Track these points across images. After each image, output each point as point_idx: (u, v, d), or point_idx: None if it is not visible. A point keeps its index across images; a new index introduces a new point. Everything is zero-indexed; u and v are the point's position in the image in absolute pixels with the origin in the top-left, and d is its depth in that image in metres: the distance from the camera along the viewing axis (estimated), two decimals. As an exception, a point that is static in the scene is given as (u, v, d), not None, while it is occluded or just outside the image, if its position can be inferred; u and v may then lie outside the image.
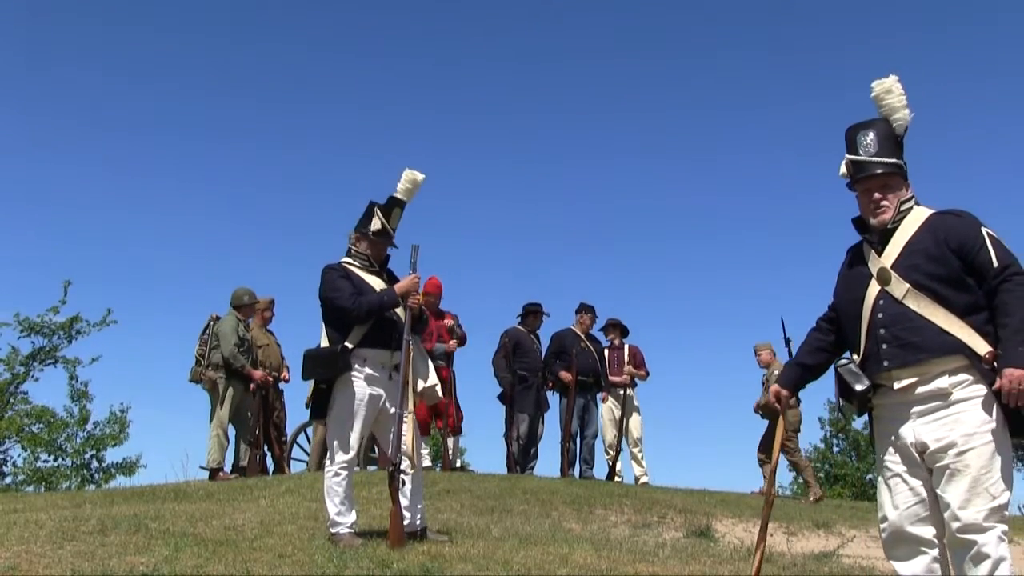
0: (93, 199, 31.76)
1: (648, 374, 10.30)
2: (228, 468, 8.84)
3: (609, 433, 9.98)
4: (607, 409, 10.00)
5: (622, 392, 9.97)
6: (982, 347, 3.10)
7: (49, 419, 13.76)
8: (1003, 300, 3.09)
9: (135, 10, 32.49)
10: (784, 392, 3.58)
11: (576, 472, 9.47)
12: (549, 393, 9.66)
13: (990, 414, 3.07)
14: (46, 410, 13.92)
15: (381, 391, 4.87)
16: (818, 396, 31.09)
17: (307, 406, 9.42)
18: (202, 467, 8.70)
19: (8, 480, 13.59)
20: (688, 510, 6.82)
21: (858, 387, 3.29)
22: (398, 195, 5.07)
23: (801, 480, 9.82)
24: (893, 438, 3.26)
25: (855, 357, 3.37)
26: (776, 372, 9.74)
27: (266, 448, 9.21)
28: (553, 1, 38.28)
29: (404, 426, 4.75)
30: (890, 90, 3.40)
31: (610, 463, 9.85)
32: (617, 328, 10.33)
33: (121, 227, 31.16)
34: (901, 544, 3.22)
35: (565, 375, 9.47)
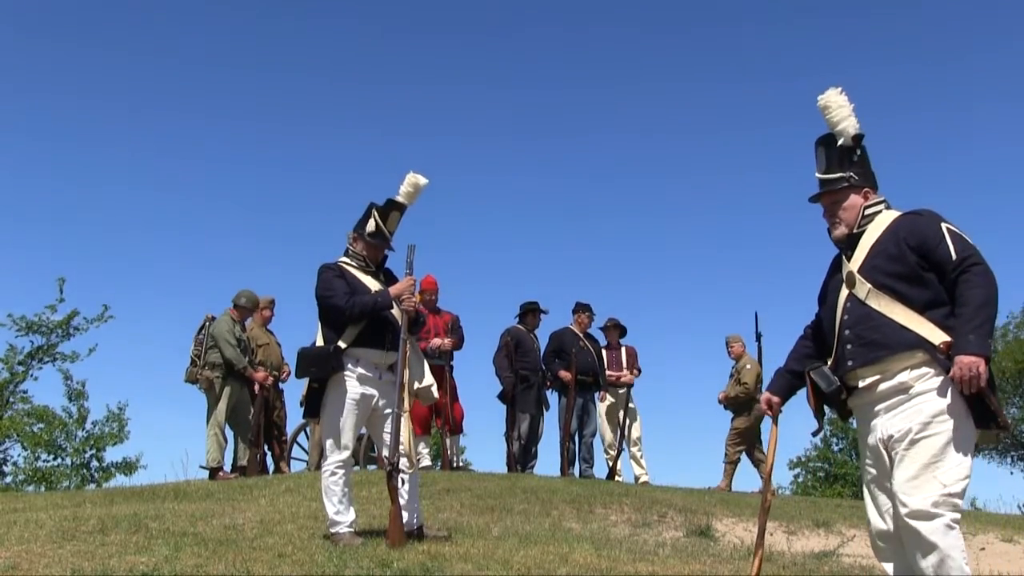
0: (88, 197, 31.76)
1: (640, 372, 10.33)
2: (228, 467, 8.84)
3: (608, 433, 9.99)
4: (605, 409, 10.00)
5: (621, 392, 9.97)
6: (940, 339, 3.11)
7: (49, 418, 13.75)
8: (960, 291, 3.12)
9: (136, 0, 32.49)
10: (776, 399, 3.60)
11: (576, 471, 9.47)
12: (548, 392, 9.66)
13: (948, 404, 3.07)
14: (46, 410, 13.92)
15: (374, 391, 4.87)
16: (818, 395, 31.00)
17: (301, 404, 9.44)
18: (202, 467, 8.71)
19: (8, 480, 13.59)
20: (688, 509, 6.82)
21: (825, 387, 3.33)
22: (398, 198, 5.06)
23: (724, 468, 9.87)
24: (867, 440, 3.28)
25: (828, 362, 3.41)
26: (748, 366, 9.79)
27: (266, 447, 9.22)
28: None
29: (402, 426, 4.76)
30: (827, 106, 3.44)
31: (610, 463, 9.85)
32: (617, 329, 10.34)
33: (120, 227, 31.18)
34: (886, 546, 3.24)
35: (564, 374, 9.47)
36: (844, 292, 3.36)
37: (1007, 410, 22.84)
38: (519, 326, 9.70)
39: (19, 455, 13.78)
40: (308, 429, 9.93)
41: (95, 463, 13.79)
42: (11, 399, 14.02)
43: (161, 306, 30.83)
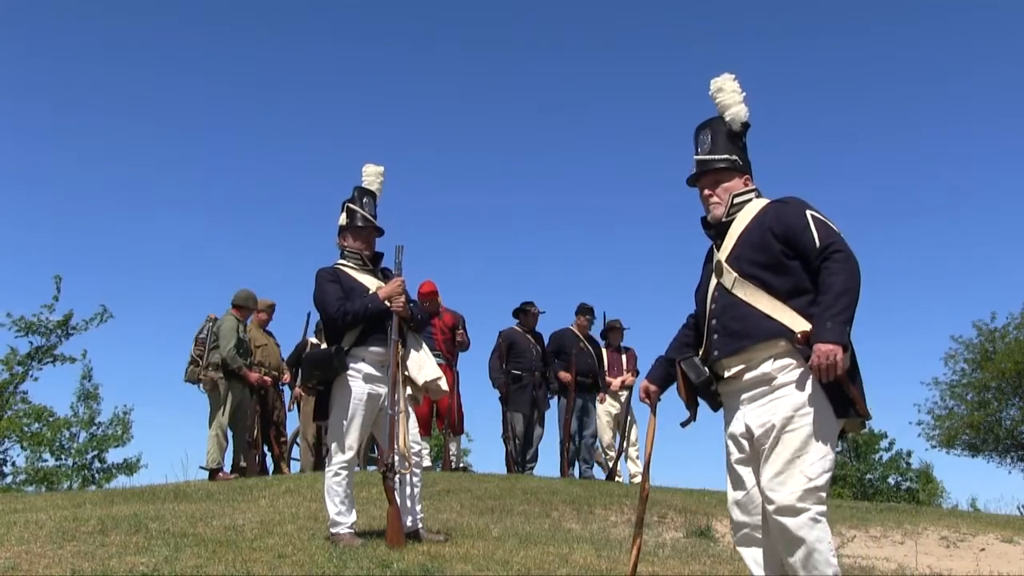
0: (89, 197, 31.75)
1: (639, 374, 10.31)
2: (228, 468, 8.83)
3: (607, 434, 9.97)
4: (604, 410, 9.98)
5: (623, 395, 9.95)
6: (801, 327, 3.08)
7: (48, 418, 13.74)
8: (822, 279, 3.09)
9: (134, 4, 32.50)
10: (653, 388, 3.56)
11: (576, 472, 9.46)
12: (547, 393, 9.63)
13: (810, 396, 3.05)
14: (44, 409, 13.90)
15: (381, 389, 4.86)
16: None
17: (290, 409, 9.46)
18: (202, 467, 8.70)
19: (8, 480, 13.59)
20: (688, 510, 6.82)
21: (694, 378, 3.31)
22: (364, 185, 5.13)
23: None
24: (730, 427, 3.27)
25: (699, 352, 3.39)
26: None
27: (265, 448, 9.21)
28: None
29: (397, 426, 4.75)
30: (721, 88, 3.42)
31: (609, 464, 9.84)
32: (618, 332, 10.32)
33: (118, 226, 31.17)
34: (743, 532, 3.23)
35: (564, 375, 9.46)
36: (713, 281, 3.35)
37: (1007, 411, 22.80)
38: (515, 327, 9.69)
39: (19, 455, 13.79)
40: (300, 433, 9.87)
41: (96, 464, 13.79)
42: (11, 400, 14.01)
43: (161, 307, 30.83)
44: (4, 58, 29.44)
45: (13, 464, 13.74)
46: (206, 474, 8.66)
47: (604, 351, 9.99)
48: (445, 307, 9.24)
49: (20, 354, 14.00)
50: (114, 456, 14.00)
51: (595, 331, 10.03)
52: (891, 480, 31.03)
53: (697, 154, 3.46)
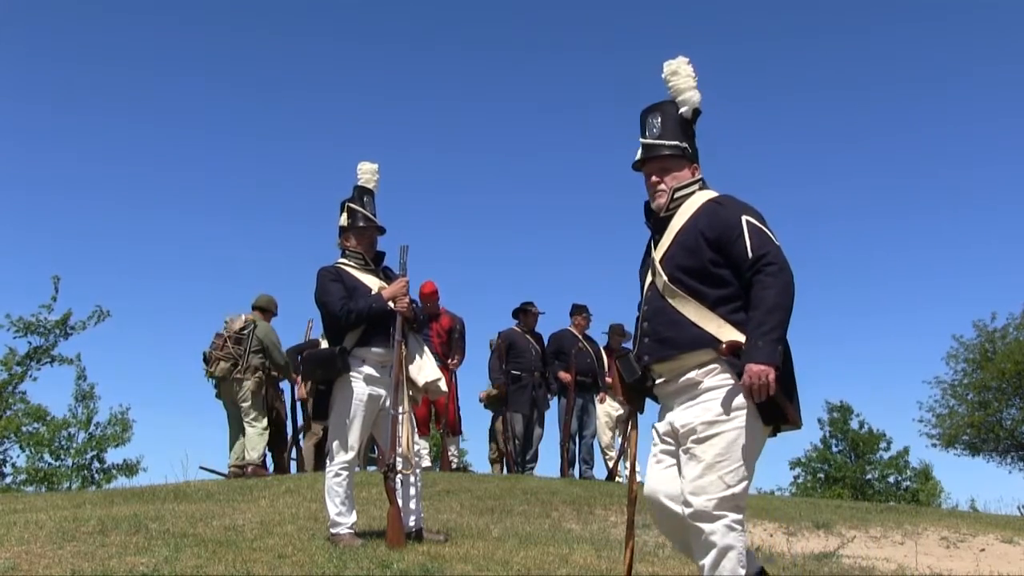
0: (88, 199, 31.76)
1: None
2: (225, 468, 8.82)
3: (606, 435, 9.97)
4: (604, 411, 9.98)
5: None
6: (727, 336, 3.04)
7: (45, 418, 13.74)
8: (753, 293, 3.03)
9: (134, 4, 32.52)
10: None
11: (576, 472, 9.46)
12: (547, 393, 9.63)
13: (735, 403, 3.01)
14: (41, 409, 13.89)
15: (381, 390, 4.86)
16: (816, 396, 31.08)
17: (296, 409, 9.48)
18: (232, 465, 8.63)
19: (8, 480, 13.58)
20: (688, 510, 6.80)
21: (627, 377, 3.29)
22: (360, 183, 5.11)
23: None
24: (658, 423, 3.27)
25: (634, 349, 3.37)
26: None
27: (267, 449, 9.20)
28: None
29: (399, 426, 4.75)
30: (676, 71, 3.31)
31: (609, 464, 9.84)
32: (619, 334, 10.32)
33: (118, 226, 31.16)
34: (659, 517, 3.25)
35: (564, 375, 9.47)
36: (649, 279, 3.29)
37: (1007, 411, 22.79)
38: (515, 328, 9.69)
39: (19, 455, 13.78)
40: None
41: (96, 464, 13.79)
42: (10, 400, 14.00)
43: (161, 308, 30.82)
44: (4, 58, 29.47)
45: (13, 465, 13.74)
46: (205, 475, 8.66)
47: (604, 352, 9.99)
48: (444, 309, 9.24)
49: (19, 354, 14.02)
50: (114, 456, 14.00)
51: (593, 330, 10.04)
52: (891, 479, 31.03)
53: (645, 137, 3.34)
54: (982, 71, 38.62)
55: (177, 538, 4.66)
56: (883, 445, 31.18)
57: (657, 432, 3.25)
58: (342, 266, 5.04)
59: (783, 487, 30.21)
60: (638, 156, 3.38)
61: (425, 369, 5.03)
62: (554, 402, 9.70)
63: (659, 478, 3.23)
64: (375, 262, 5.12)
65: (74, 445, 13.65)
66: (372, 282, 4.98)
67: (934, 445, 23.70)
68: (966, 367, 23.34)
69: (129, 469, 13.69)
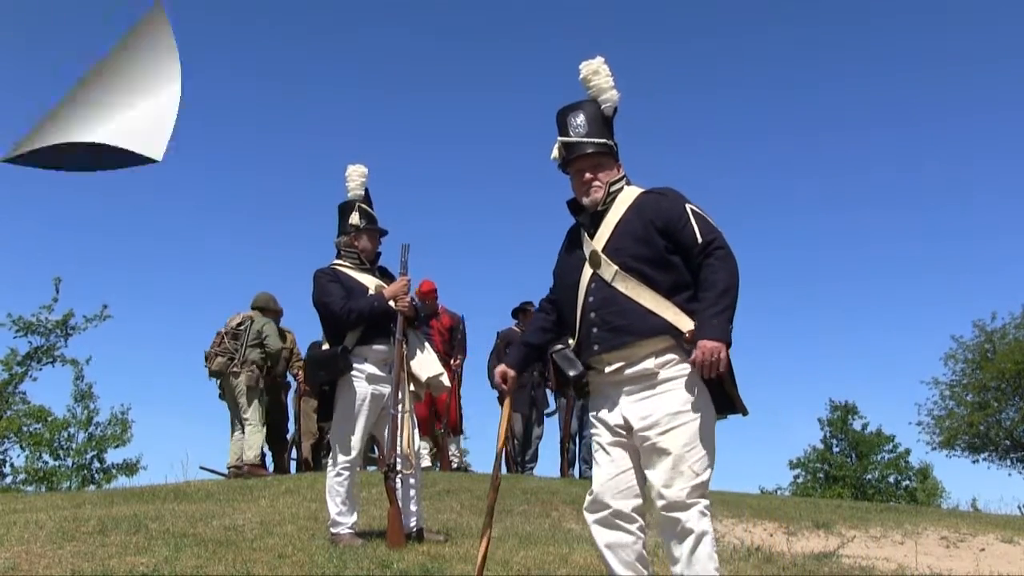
0: (88, 200, 31.75)
1: None
2: (225, 468, 8.82)
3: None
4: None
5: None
6: (686, 326, 3.09)
7: (46, 418, 13.72)
8: (704, 275, 3.10)
9: (134, 4, 32.52)
10: (511, 373, 3.52)
11: (576, 472, 9.45)
12: (547, 393, 9.62)
13: (694, 393, 3.08)
14: (42, 410, 13.87)
15: (384, 389, 4.85)
16: (818, 396, 31.12)
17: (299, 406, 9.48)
18: (232, 466, 8.62)
19: (8, 480, 13.57)
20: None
21: (571, 373, 3.28)
22: (353, 187, 5.11)
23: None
24: (600, 414, 3.25)
25: (571, 342, 3.35)
26: None
27: (266, 448, 9.20)
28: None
29: (401, 426, 4.75)
30: (597, 71, 3.38)
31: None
32: None
33: (118, 226, 31.15)
34: (601, 514, 3.19)
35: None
36: (588, 271, 3.28)
37: (1006, 411, 22.81)
38: (514, 327, 9.68)
39: (19, 455, 13.76)
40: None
41: (96, 464, 13.76)
42: (10, 400, 13.98)
43: (161, 308, 30.82)
44: (4, 58, 29.46)
45: (12, 465, 13.72)
46: (205, 475, 8.66)
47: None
48: (444, 308, 9.24)
49: (20, 354, 14.00)
50: (114, 456, 13.98)
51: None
52: (891, 479, 31.04)
53: (569, 136, 3.37)
54: (984, 68, 38.65)
55: (177, 538, 4.66)
56: (888, 447, 31.18)
57: (606, 424, 3.23)
58: (338, 267, 5.04)
59: (783, 487, 30.26)
60: (556, 154, 3.42)
61: (427, 364, 5.02)
62: (553, 402, 9.68)
63: (601, 473, 3.21)
64: (372, 261, 5.13)
65: (74, 445, 13.62)
66: (369, 281, 4.98)
67: (933, 449, 23.71)
68: (965, 367, 23.35)
69: (129, 469, 13.66)
